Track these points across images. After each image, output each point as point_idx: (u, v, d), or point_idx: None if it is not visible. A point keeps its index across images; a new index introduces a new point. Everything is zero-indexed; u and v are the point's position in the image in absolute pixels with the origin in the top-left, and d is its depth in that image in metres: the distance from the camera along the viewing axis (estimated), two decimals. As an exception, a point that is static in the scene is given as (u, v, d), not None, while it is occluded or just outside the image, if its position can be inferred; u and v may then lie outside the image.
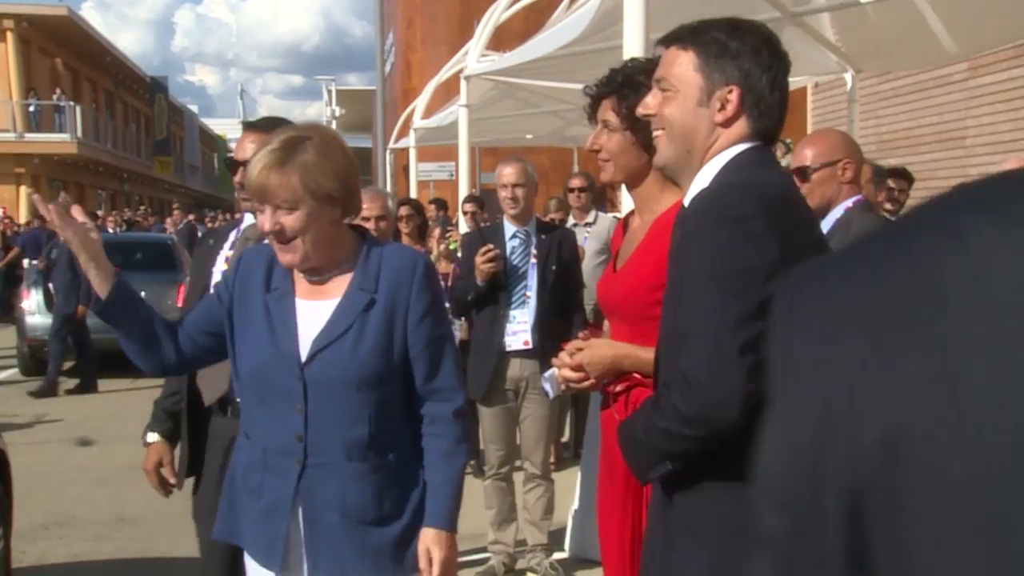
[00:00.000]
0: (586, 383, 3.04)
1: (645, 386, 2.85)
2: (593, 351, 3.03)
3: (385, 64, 45.03)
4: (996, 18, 5.94)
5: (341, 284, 2.74)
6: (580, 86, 10.45)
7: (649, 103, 2.41)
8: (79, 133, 34.89)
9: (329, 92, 58.02)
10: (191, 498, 3.94)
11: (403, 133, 19.45)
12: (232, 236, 3.83)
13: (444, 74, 15.47)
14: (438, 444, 2.78)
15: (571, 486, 6.04)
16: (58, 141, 34.00)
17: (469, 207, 9.69)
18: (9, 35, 34.00)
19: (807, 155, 3.95)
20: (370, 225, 5.20)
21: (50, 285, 12.19)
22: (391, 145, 19.52)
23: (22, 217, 27.62)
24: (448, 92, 15.73)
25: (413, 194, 16.42)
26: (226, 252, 3.77)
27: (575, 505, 5.95)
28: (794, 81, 9.75)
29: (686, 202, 2.35)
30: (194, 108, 72.42)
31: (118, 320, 2.77)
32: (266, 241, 2.84)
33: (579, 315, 5.68)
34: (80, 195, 36.87)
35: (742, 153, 2.31)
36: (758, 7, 6.67)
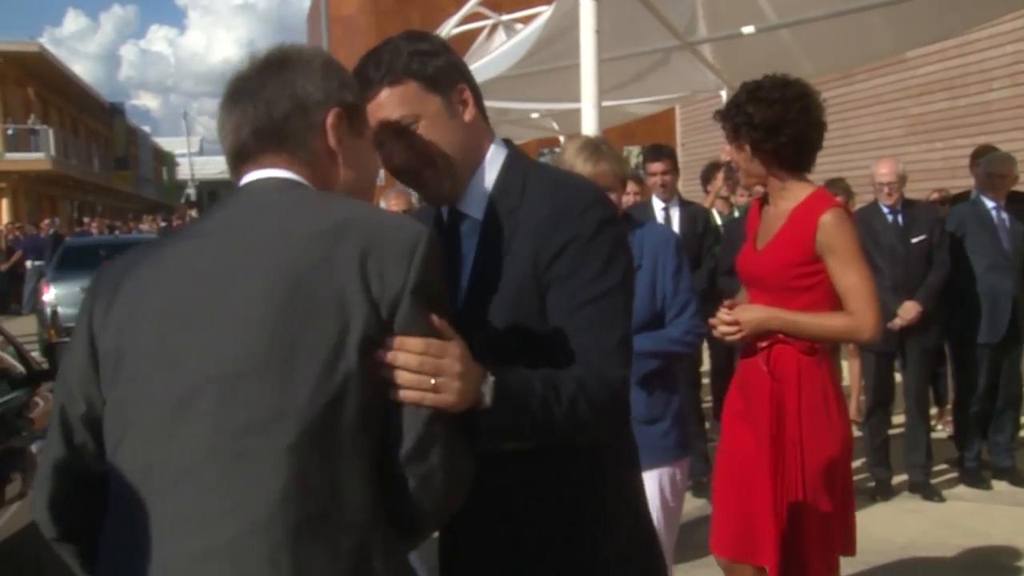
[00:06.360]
0: (739, 335, 3.10)
1: (786, 343, 3.03)
2: (748, 311, 3.11)
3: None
4: (845, 45, 6.54)
5: None
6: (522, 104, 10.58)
7: (408, 144, 1.78)
8: (52, 152, 34.02)
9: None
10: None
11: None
12: None
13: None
14: None
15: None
16: (34, 160, 33.08)
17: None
18: (-12, 69, 33.11)
19: None
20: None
21: None
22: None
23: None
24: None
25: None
26: None
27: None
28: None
29: (472, 212, 1.81)
30: (147, 129, 70.73)
31: None
32: None
33: None
34: (53, 206, 36.04)
35: (511, 153, 1.84)
36: (659, 34, 7.10)
